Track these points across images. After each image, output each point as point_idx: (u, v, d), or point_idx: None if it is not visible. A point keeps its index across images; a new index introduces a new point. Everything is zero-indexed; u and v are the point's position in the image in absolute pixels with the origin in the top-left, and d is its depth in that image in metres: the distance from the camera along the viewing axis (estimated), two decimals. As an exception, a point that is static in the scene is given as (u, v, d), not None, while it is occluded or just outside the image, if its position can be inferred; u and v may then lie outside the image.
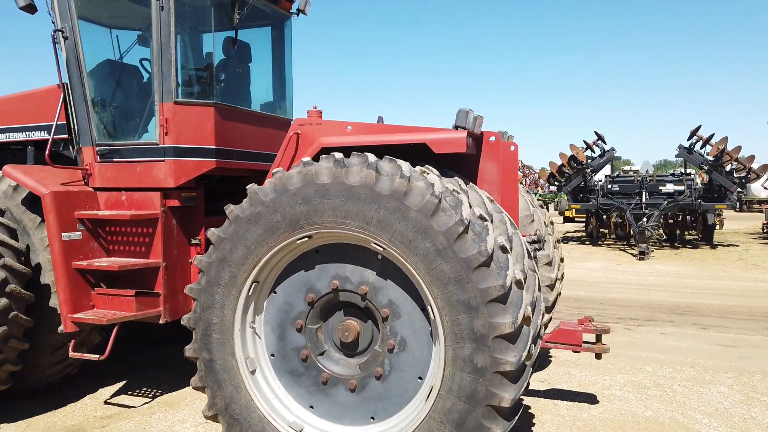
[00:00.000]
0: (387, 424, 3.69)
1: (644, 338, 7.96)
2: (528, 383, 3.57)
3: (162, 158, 5.08)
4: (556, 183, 21.08)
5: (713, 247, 19.39)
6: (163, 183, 5.09)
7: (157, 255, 5.12)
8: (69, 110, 5.43)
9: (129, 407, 5.40)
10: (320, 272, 3.82)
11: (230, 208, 3.85)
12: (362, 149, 4.06)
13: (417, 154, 4.26)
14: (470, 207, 3.54)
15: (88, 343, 5.43)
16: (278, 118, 6.08)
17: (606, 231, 22.46)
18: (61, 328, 4.96)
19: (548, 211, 36.25)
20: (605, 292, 11.66)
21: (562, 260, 6.59)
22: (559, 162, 20.35)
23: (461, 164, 4.60)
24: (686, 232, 21.69)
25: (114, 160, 5.27)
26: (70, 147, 5.61)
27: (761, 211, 37.01)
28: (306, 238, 3.68)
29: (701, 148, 19.46)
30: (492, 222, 3.86)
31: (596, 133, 20.33)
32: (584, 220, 23.93)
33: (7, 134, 5.91)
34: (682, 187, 19.21)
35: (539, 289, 4.09)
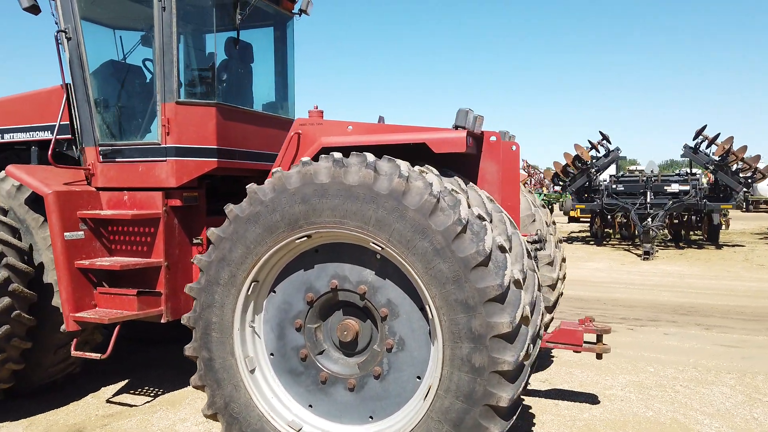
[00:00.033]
0: (385, 423, 3.70)
1: (647, 338, 7.93)
2: (527, 383, 3.57)
3: (164, 158, 5.10)
4: (560, 183, 21.03)
5: (719, 247, 19.30)
6: (165, 183, 5.11)
7: (159, 254, 5.15)
8: (72, 110, 5.47)
9: (131, 406, 5.43)
10: (319, 272, 3.83)
11: (230, 208, 3.87)
12: (363, 149, 4.07)
13: (418, 154, 4.27)
14: (469, 207, 3.54)
15: (90, 342, 5.45)
16: (280, 118, 6.09)
17: (611, 231, 22.39)
18: (63, 327, 4.98)
19: (553, 211, 36.18)
20: (609, 292, 11.63)
21: (564, 260, 6.58)
22: (563, 162, 20.32)
23: (462, 164, 4.60)
24: (691, 233, 21.60)
25: (116, 160, 5.29)
26: (74, 147, 5.64)
27: (768, 212, 36.87)
28: (305, 238, 3.69)
29: (707, 147, 19.39)
30: (491, 222, 3.87)
31: (601, 132, 20.29)
32: (589, 220, 23.87)
33: (12, 134, 5.95)
34: (687, 187, 19.14)
35: (539, 289, 4.09)
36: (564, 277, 6.50)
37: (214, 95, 5.32)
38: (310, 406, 3.91)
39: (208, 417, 4.01)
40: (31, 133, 5.82)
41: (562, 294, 6.45)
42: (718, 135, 18.85)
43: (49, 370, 5.42)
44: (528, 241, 5.07)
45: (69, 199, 5.05)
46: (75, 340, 5.20)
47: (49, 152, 5.27)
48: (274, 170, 3.82)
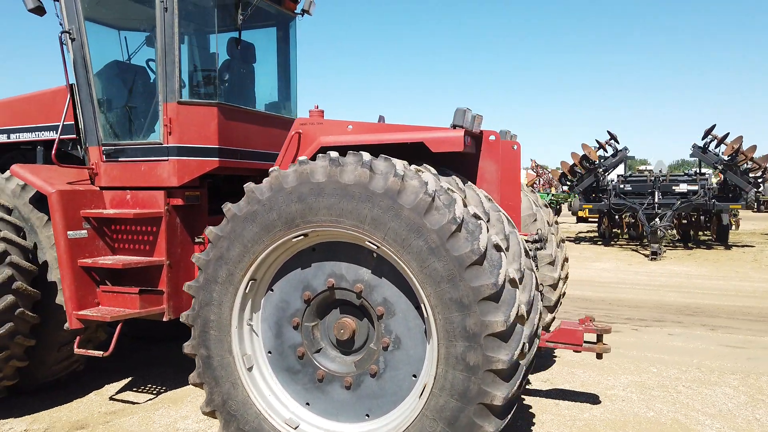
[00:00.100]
0: (382, 421, 3.71)
1: (651, 339, 7.89)
2: (523, 382, 3.56)
3: (166, 158, 5.14)
4: (568, 183, 20.95)
5: (728, 247, 19.16)
6: (167, 182, 5.15)
7: (161, 253, 5.19)
8: (76, 110, 5.52)
9: (133, 403, 5.47)
10: (316, 270, 3.85)
11: (227, 207, 3.90)
12: (362, 149, 4.09)
13: (418, 153, 4.28)
14: (465, 206, 3.54)
15: (94, 339, 5.50)
16: (282, 118, 6.12)
17: (618, 231, 22.28)
18: (66, 325, 5.03)
19: (561, 211, 36.03)
20: (615, 293, 11.58)
21: (566, 260, 6.56)
22: (571, 162, 20.24)
23: (461, 163, 4.61)
24: (700, 233, 21.46)
25: (119, 159, 5.34)
26: (78, 147, 5.70)
27: (779, 212, 36.50)
28: (302, 237, 3.71)
29: (716, 147, 19.27)
30: (488, 221, 3.87)
31: (609, 132, 20.21)
32: (597, 220, 23.76)
33: (18, 134, 6.02)
34: (695, 187, 19.02)
35: (537, 288, 4.08)
36: (566, 277, 6.49)
37: (215, 95, 5.36)
38: (307, 404, 3.93)
39: (206, 414, 4.03)
40: (36, 133, 5.88)
41: (564, 294, 6.44)
42: (727, 134, 18.73)
43: (52, 368, 5.47)
44: (528, 241, 5.07)
45: (72, 198, 5.11)
46: (78, 337, 5.25)
47: (53, 152, 5.33)
48: (271, 169, 3.84)
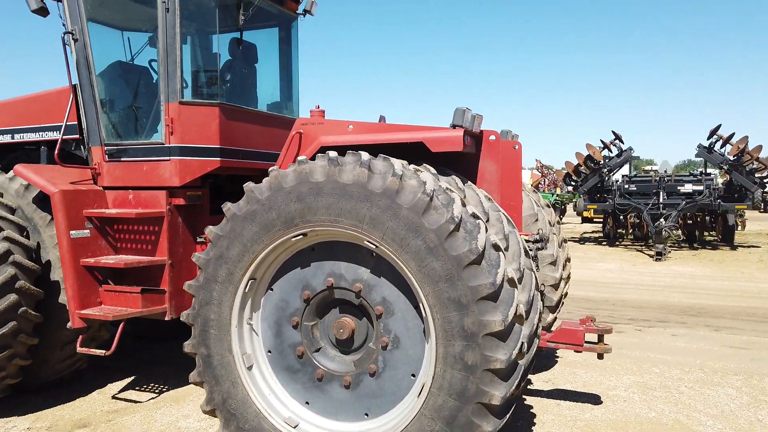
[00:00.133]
0: (380, 420, 3.71)
1: (654, 339, 7.87)
2: (522, 381, 3.55)
3: (167, 158, 5.16)
4: (572, 183, 20.90)
5: (733, 248, 19.06)
6: (169, 182, 5.18)
7: (163, 252, 5.21)
8: (79, 111, 5.56)
9: (135, 402, 5.50)
10: (316, 270, 3.86)
11: (227, 206, 3.92)
12: (362, 148, 4.10)
13: (418, 153, 4.28)
14: (464, 205, 3.55)
15: (97, 338, 5.53)
16: (284, 118, 6.14)
17: (623, 232, 22.21)
18: (69, 324, 5.06)
19: (566, 211, 35.91)
20: (619, 293, 11.55)
21: (568, 260, 6.55)
22: (575, 162, 20.18)
23: (461, 163, 4.61)
24: (706, 233, 21.36)
25: (122, 159, 5.37)
26: (82, 147, 5.73)
27: (786, 212, 36.28)
28: (301, 236, 3.72)
29: (721, 147, 19.17)
30: (488, 221, 3.87)
31: (614, 132, 20.12)
32: (602, 220, 23.69)
33: (22, 134, 6.06)
34: (700, 187, 18.92)
35: (537, 288, 4.08)
36: (568, 277, 6.47)
37: (217, 95, 5.38)
38: (307, 403, 3.94)
39: (206, 413, 4.05)
40: (40, 133, 5.92)
41: (566, 294, 6.43)
42: (733, 134, 18.63)
43: (55, 367, 5.51)
44: (529, 241, 5.07)
45: (75, 197, 5.14)
46: (80, 336, 5.28)
47: (56, 152, 5.36)
48: (270, 169, 3.85)
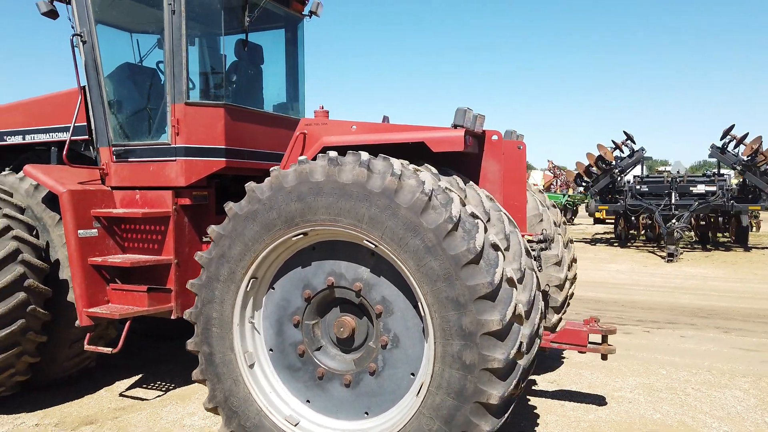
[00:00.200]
0: (380, 419, 3.73)
1: (662, 341, 7.81)
2: (521, 381, 3.55)
3: (173, 158, 5.22)
4: (583, 184, 20.79)
5: (747, 249, 18.86)
6: (175, 182, 5.23)
7: (169, 252, 5.27)
8: (88, 112, 5.63)
9: (142, 400, 5.56)
10: (316, 269, 3.89)
11: (229, 206, 3.96)
12: (365, 149, 4.12)
13: (422, 153, 4.30)
14: (464, 205, 3.56)
15: (105, 336, 5.60)
16: (289, 119, 6.17)
17: (635, 233, 22.05)
18: (77, 322, 5.14)
19: (578, 212, 35.70)
20: (628, 294, 11.47)
21: (574, 261, 6.52)
22: (586, 162, 20.08)
23: (464, 163, 4.62)
24: (719, 234, 21.15)
25: (129, 159, 5.44)
26: (91, 148, 5.81)
27: (802, 213, 35.75)
28: (301, 235, 3.75)
29: (734, 148, 18.99)
30: (489, 220, 3.88)
31: (625, 132, 20.01)
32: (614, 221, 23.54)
33: (32, 135, 6.15)
34: (713, 188, 18.74)
35: (539, 288, 4.08)
36: (574, 278, 6.45)
37: (223, 96, 5.43)
38: (308, 401, 3.97)
39: (208, 410, 4.10)
40: (50, 134, 6.01)
41: (572, 295, 6.40)
42: (746, 135, 18.47)
43: (64, 364, 5.58)
44: (533, 241, 5.06)
45: (83, 197, 5.21)
46: (88, 334, 5.35)
47: (64, 152, 5.44)
48: (271, 169, 3.89)
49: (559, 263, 5.78)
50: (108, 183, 5.54)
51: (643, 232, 21.80)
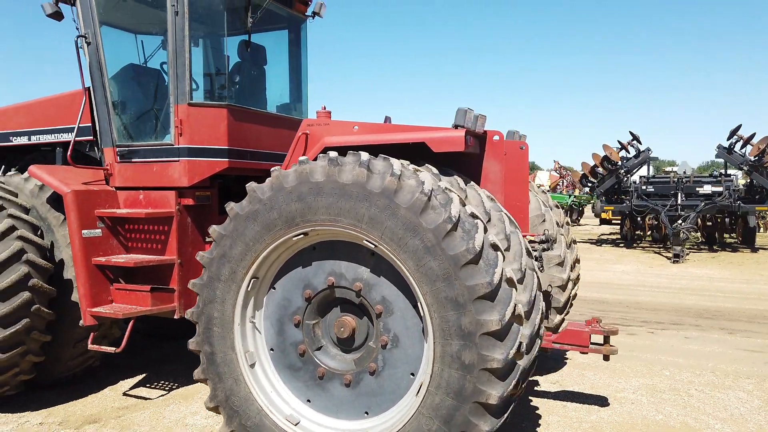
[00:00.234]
0: (380, 419, 3.74)
1: (666, 342, 7.78)
2: (521, 381, 3.55)
3: (177, 158, 5.24)
4: (588, 184, 20.73)
5: (754, 250, 18.75)
6: (178, 182, 5.26)
7: (173, 252, 5.29)
8: (93, 113, 5.67)
9: (145, 399, 5.59)
10: (317, 269, 3.90)
11: (230, 206, 3.98)
12: (366, 149, 4.13)
13: (424, 154, 4.30)
14: (464, 205, 3.56)
15: (109, 336, 5.63)
16: (293, 119, 6.18)
17: (641, 233, 21.96)
18: (81, 322, 5.17)
19: (584, 213, 35.57)
20: (633, 295, 11.43)
21: (577, 261, 6.51)
22: (592, 163, 20.02)
23: (465, 163, 4.62)
24: (726, 235, 21.03)
25: (132, 160, 5.47)
26: (95, 148, 5.85)
27: (810, 214, 35.50)
28: (302, 235, 3.76)
29: (741, 148, 18.88)
30: (489, 221, 3.88)
31: (631, 133, 19.95)
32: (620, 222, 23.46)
33: (38, 136, 6.19)
34: (720, 188, 18.64)
35: (540, 289, 4.07)
36: (577, 279, 6.43)
37: (225, 97, 5.46)
38: (308, 400, 3.98)
39: (210, 409, 4.11)
40: (55, 135, 6.05)
41: (575, 296, 6.39)
42: (753, 135, 18.37)
43: (68, 363, 5.62)
44: (535, 241, 5.05)
45: (87, 198, 5.24)
46: (92, 334, 5.38)
47: (68, 153, 5.47)
48: (272, 169, 3.91)
49: (561, 264, 5.77)
50: (112, 183, 5.57)
51: (649, 233, 21.71)
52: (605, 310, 9.86)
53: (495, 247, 3.47)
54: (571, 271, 6.15)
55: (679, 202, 18.60)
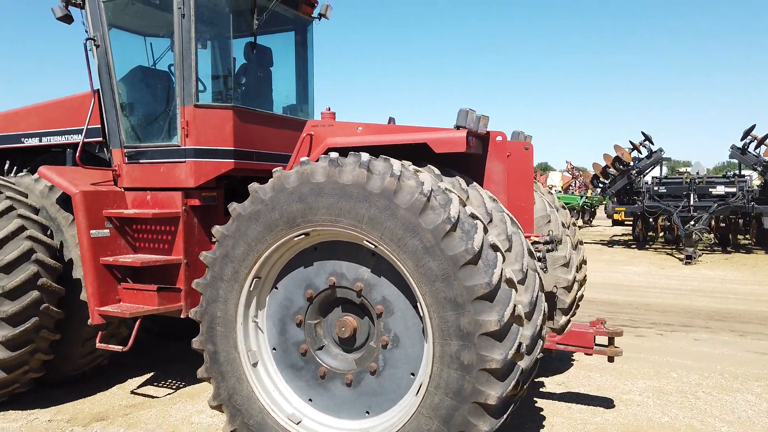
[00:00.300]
0: (381, 418, 3.76)
1: (675, 344, 7.72)
2: (521, 382, 3.55)
3: (183, 159, 5.30)
4: (600, 185, 20.60)
5: (768, 252, 18.52)
6: (184, 183, 5.32)
7: (179, 252, 5.35)
8: (101, 114, 5.75)
9: (152, 397, 5.66)
10: (318, 269, 3.93)
11: (233, 206, 4.02)
12: (369, 149, 4.15)
13: (425, 154, 4.32)
14: (464, 205, 3.57)
15: (117, 335, 5.69)
16: (298, 121, 6.21)
17: (653, 234, 21.77)
18: (90, 321, 5.24)
19: (596, 213, 35.31)
20: (644, 297, 11.35)
21: (584, 262, 6.47)
22: (603, 163, 19.90)
23: (468, 164, 4.63)
24: (740, 236, 20.78)
25: (140, 161, 5.53)
26: (105, 150, 5.93)
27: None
28: (303, 236, 3.79)
29: (755, 148, 18.66)
30: (491, 221, 3.89)
31: (643, 133, 19.79)
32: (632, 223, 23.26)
33: (49, 138, 6.29)
34: (733, 189, 18.41)
35: (543, 289, 4.07)
36: (583, 280, 6.40)
37: (231, 98, 5.50)
38: (310, 400, 4.01)
39: (213, 408, 4.16)
40: (65, 136, 6.13)
41: (581, 297, 6.36)
42: (768, 135, 18.13)
43: (77, 362, 5.69)
44: (539, 242, 5.04)
45: (95, 198, 5.31)
46: (100, 333, 5.45)
47: (77, 154, 5.55)
48: (274, 170, 3.94)
49: (567, 265, 5.75)
50: (120, 184, 5.64)
51: (661, 234, 21.52)
52: (614, 311, 9.80)
53: (495, 248, 3.47)
54: (577, 272, 6.12)
55: (691, 203, 18.41)
